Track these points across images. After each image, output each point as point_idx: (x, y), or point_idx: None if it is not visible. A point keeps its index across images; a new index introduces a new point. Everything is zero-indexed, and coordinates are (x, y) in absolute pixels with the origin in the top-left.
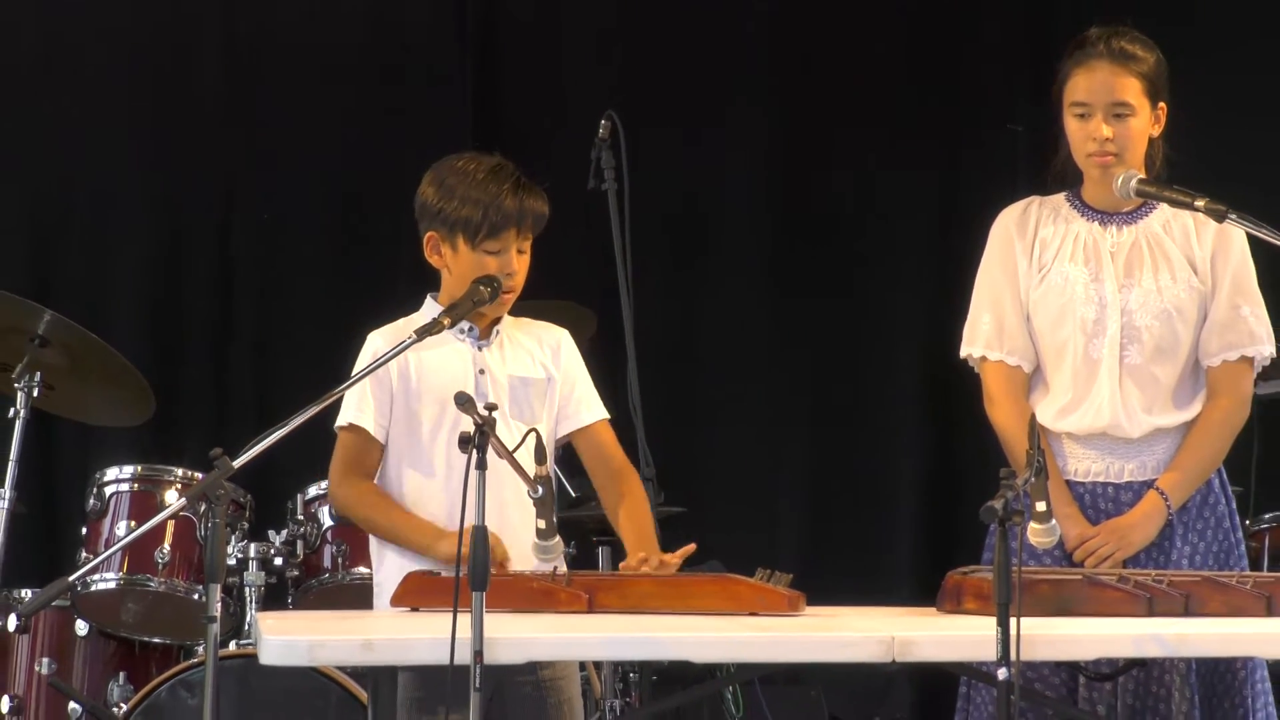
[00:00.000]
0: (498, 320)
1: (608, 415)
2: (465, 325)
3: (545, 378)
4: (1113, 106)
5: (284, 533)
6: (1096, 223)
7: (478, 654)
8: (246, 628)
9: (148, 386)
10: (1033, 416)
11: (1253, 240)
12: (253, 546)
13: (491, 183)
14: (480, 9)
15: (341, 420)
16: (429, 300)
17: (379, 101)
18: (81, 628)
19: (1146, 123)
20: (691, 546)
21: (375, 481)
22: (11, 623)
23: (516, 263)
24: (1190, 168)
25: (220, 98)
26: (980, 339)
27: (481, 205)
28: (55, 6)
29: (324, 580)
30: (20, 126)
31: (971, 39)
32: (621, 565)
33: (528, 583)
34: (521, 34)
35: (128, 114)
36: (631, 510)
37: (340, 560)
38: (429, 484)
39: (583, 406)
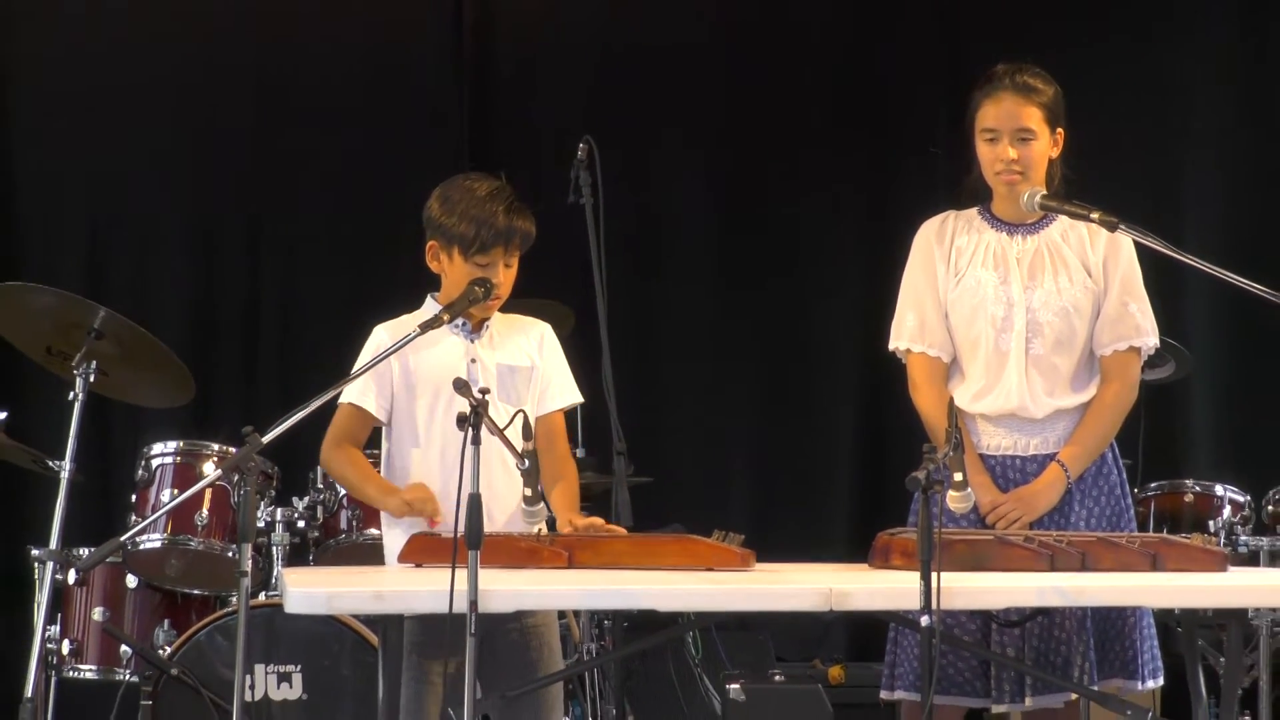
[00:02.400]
0: (487, 317)
1: (580, 400)
2: (459, 321)
3: (530, 366)
4: (1017, 132)
5: (306, 499)
6: (1004, 233)
7: (473, 604)
8: (273, 581)
9: (189, 373)
10: (951, 400)
11: (1140, 246)
12: (279, 511)
13: (488, 203)
14: (474, 56)
15: (344, 398)
16: (429, 299)
17: (389, 132)
18: (131, 581)
19: (1047, 146)
20: (597, 520)
21: (381, 457)
22: (71, 577)
23: (502, 275)
24: (1086, 181)
25: (251, 128)
26: (906, 334)
27: (477, 223)
28: (112, 53)
29: (340, 540)
30: (81, 154)
31: (899, 75)
32: (560, 524)
33: (515, 543)
34: (509, 75)
35: (172, 144)
36: (565, 490)
37: (354, 523)
38: (427, 458)
39: (556, 394)
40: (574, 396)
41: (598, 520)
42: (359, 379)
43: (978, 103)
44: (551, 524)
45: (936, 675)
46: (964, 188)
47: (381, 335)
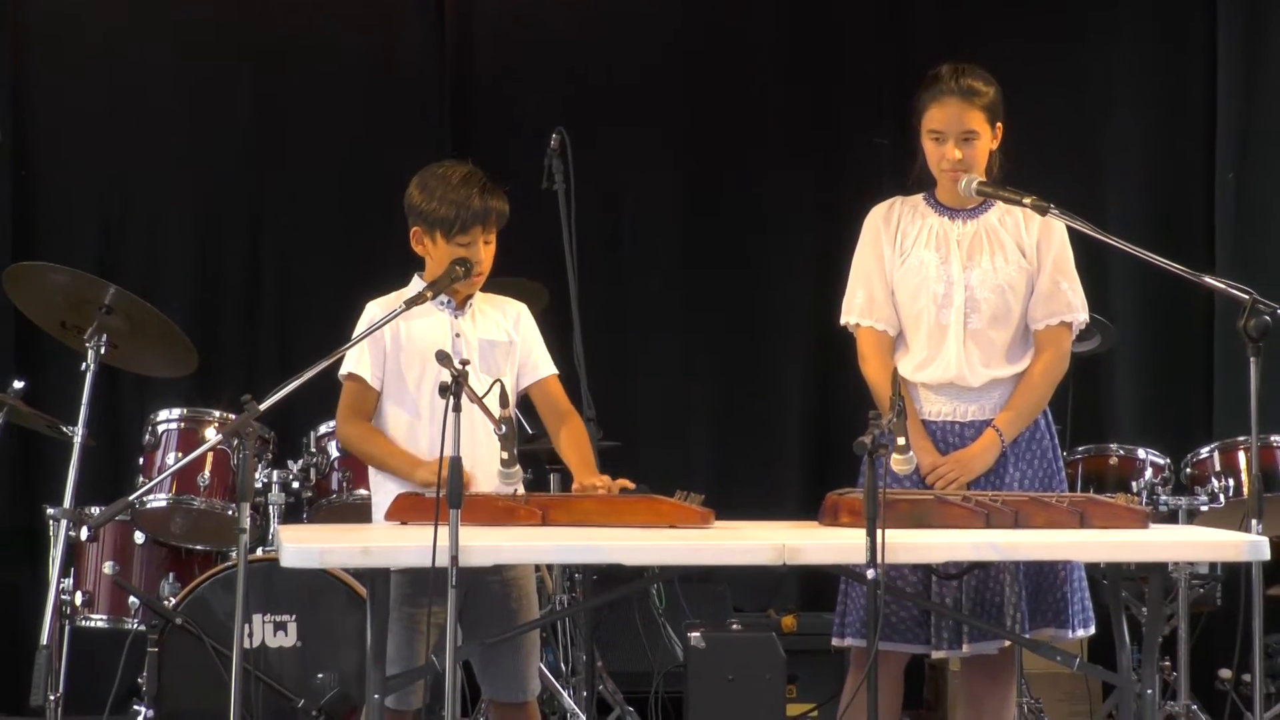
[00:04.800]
0: (471, 295)
1: (556, 371)
2: (444, 299)
3: (508, 341)
4: (962, 134)
5: (300, 462)
6: (946, 217)
7: (454, 558)
8: (270, 537)
9: (192, 345)
10: (895, 370)
11: (1070, 229)
12: (275, 473)
13: (463, 187)
14: (456, 52)
15: (343, 370)
16: (416, 278)
17: (378, 122)
18: (139, 537)
19: (988, 142)
20: (626, 481)
21: (372, 422)
22: (84, 533)
23: (482, 252)
24: (1020, 169)
25: (251, 119)
26: (855, 309)
27: (454, 206)
28: (121, 49)
29: (331, 500)
30: (93, 143)
31: (847, 70)
32: (574, 487)
33: (494, 502)
34: (488, 69)
35: (178, 132)
36: (574, 442)
37: (344, 484)
38: (415, 423)
39: (538, 365)
40: (553, 367)
41: (606, 480)
42: (355, 353)
43: (924, 104)
44: (530, 484)
45: (881, 624)
46: (910, 176)
47: (374, 310)
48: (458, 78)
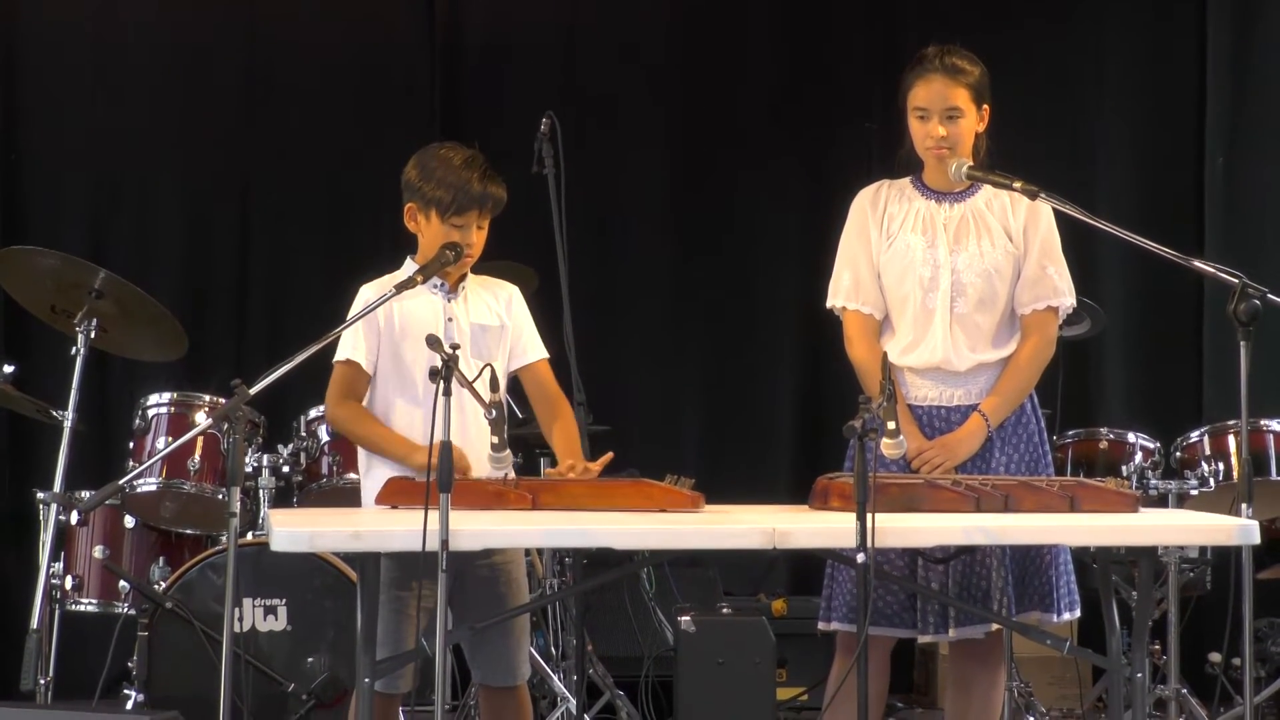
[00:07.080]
0: (463, 278)
1: (547, 355)
2: (437, 282)
3: (500, 325)
4: (946, 111)
5: (290, 446)
6: (933, 200)
7: (444, 543)
8: (260, 521)
9: (182, 330)
10: (884, 354)
11: (1058, 213)
12: (265, 457)
13: (464, 170)
14: (445, 33)
15: (339, 355)
16: (408, 261)
17: (368, 104)
18: (129, 521)
19: (973, 122)
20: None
21: (365, 405)
22: (74, 518)
23: (475, 236)
24: (1010, 153)
25: (241, 102)
26: (842, 292)
27: (453, 188)
28: (110, 31)
29: (322, 484)
30: (83, 126)
31: (836, 54)
32: (549, 471)
33: (484, 486)
34: (478, 51)
35: (168, 115)
36: (563, 428)
37: (335, 468)
38: (409, 407)
39: (528, 348)
40: (543, 351)
41: (583, 465)
42: (350, 338)
43: (910, 83)
44: (520, 469)
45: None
46: (898, 159)
47: (368, 293)
48: (448, 61)
